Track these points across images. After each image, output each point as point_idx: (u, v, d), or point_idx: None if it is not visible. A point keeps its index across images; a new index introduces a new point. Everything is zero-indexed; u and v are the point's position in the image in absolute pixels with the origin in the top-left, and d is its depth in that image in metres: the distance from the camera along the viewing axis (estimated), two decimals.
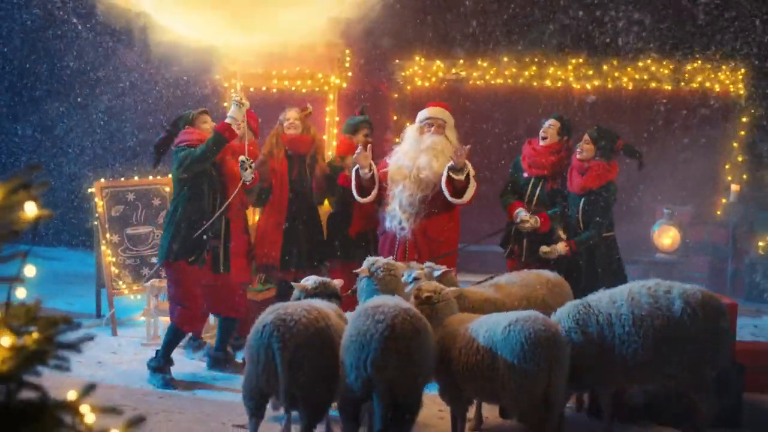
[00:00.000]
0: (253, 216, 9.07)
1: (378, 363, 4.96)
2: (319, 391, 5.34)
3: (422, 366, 5.17)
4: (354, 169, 7.77)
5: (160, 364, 7.37)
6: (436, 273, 6.46)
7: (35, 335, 2.94)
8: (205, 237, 7.36)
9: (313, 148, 8.29)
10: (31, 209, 2.99)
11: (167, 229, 7.46)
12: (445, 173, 7.48)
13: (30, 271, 3.06)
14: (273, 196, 8.19)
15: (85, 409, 2.99)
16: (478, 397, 5.97)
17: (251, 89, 9.87)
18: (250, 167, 7.42)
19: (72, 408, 2.99)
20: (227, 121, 7.33)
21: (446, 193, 7.51)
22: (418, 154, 7.65)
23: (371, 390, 5.04)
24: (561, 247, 7.61)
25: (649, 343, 5.74)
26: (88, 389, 3.05)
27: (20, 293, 3.05)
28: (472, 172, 7.54)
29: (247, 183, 7.49)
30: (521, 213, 7.78)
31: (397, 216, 7.62)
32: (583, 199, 7.65)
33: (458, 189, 7.54)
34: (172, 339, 7.46)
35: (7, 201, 2.95)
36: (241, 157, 7.43)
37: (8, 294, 3.01)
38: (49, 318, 3.01)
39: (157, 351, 7.47)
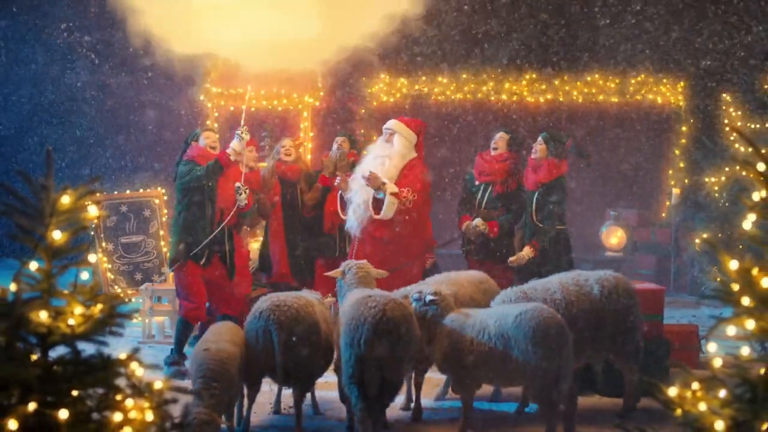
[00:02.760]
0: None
1: (370, 342, 5.73)
2: (308, 366, 6.28)
3: (407, 349, 5.95)
4: (338, 194, 8.66)
5: (176, 359, 8.22)
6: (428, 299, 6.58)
7: (100, 307, 3.83)
8: (207, 243, 8.17)
9: (301, 174, 9.25)
10: (93, 211, 3.90)
11: (173, 234, 8.34)
12: (371, 193, 8.28)
13: (92, 258, 3.97)
14: (272, 222, 9.11)
15: (134, 365, 3.88)
16: (492, 382, 6.72)
17: (231, 108, 10.73)
18: (245, 193, 8.27)
19: (125, 364, 3.87)
20: (228, 151, 8.19)
21: (371, 211, 8.28)
22: (370, 162, 8.50)
23: (363, 368, 5.78)
24: (527, 252, 8.36)
25: (579, 323, 6.73)
26: (135, 351, 3.95)
27: (84, 275, 3.93)
28: (390, 191, 8.24)
29: (241, 207, 8.32)
30: (471, 224, 8.63)
31: (350, 218, 8.47)
32: (536, 195, 8.48)
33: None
34: (182, 332, 8.25)
35: (75, 204, 3.86)
36: (237, 184, 8.26)
37: (75, 276, 3.90)
38: (109, 294, 3.92)
39: (172, 349, 8.30)
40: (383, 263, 8.11)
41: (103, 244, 10.11)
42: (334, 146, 9.18)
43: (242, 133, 8.26)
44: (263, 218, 9.18)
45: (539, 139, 8.66)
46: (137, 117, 13.62)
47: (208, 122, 10.85)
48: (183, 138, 8.86)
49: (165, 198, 10.69)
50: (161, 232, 10.49)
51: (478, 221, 8.61)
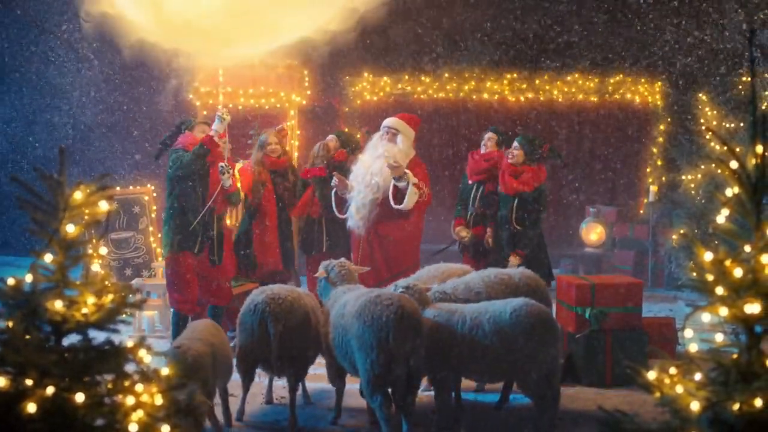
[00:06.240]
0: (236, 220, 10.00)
1: (399, 337, 5.81)
2: (301, 356, 6.54)
3: (423, 339, 6.07)
4: (333, 192, 8.82)
5: None
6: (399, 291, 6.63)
7: (110, 297, 4.03)
8: (200, 229, 8.24)
9: (289, 164, 9.34)
10: (104, 205, 4.11)
11: (167, 224, 8.35)
12: (391, 184, 8.52)
13: (103, 250, 4.17)
14: (263, 212, 9.12)
15: (142, 352, 4.08)
16: (481, 379, 6.81)
17: (219, 106, 10.87)
18: (228, 172, 8.30)
19: (133, 351, 4.07)
20: (211, 133, 8.25)
21: (391, 200, 8.52)
22: (373, 161, 8.67)
23: (391, 363, 5.84)
24: (513, 261, 8.42)
25: None
26: (142, 339, 4.15)
27: (95, 267, 4.14)
28: (412, 181, 8.48)
29: (226, 187, 8.34)
30: (458, 231, 8.86)
31: (353, 216, 8.66)
32: (516, 200, 8.54)
33: (403, 196, 8.52)
34: (178, 324, 8.24)
35: (87, 200, 4.06)
36: (221, 164, 8.27)
37: (86, 268, 4.10)
38: (119, 284, 4.12)
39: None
40: (388, 261, 8.37)
41: (93, 240, 10.25)
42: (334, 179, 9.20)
43: (223, 114, 8.30)
44: (253, 203, 9.17)
45: (515, 143, 8.66)
46: (125, 115, 13.75)
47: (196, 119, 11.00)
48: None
49: (154, 195, 10.83)
50: (150, 228, 10.66)
51: (460, 229, 8.81)
